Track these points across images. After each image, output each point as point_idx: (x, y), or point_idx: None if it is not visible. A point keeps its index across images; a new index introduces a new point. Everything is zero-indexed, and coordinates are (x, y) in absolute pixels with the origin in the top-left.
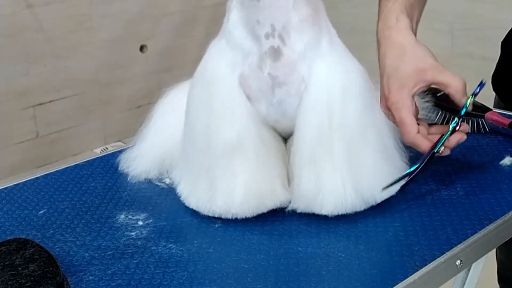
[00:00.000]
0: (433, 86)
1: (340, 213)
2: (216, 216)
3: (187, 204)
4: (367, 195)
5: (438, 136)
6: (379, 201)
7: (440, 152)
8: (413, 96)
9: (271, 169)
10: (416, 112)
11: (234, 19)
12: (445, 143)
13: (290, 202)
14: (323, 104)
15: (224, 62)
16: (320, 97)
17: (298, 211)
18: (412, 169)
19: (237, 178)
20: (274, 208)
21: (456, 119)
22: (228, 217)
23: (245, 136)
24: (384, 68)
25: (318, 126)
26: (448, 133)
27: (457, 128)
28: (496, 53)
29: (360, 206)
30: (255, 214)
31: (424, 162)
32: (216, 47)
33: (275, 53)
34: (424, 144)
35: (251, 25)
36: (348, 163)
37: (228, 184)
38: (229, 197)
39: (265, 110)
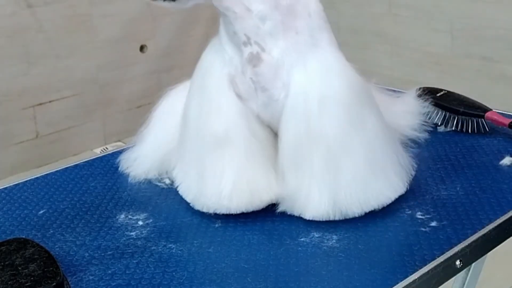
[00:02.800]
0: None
1: (316, 220)
2: (210, 211)
3: (180, 193)
4: (344, 206)
5: None
6: (357, 215)
7: None
8: None
9: (265, 163)
10: None
11: (221, 27)
12: None
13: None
14: (300, 114)
15: (217, 58)
16: (297, 106)
17: (282, 210)
18: None
19: (225, 170)
20: (271, 202)
21: None
22: (222, 212)
23: (233, 130)
24: None
25: (295, 134)
26: None
27: None
28: (496, 53)
29: (337, 216)
30: (251, 209)
31: None
32: (213, 43)
33: (255, 59)
34: None
35: (230, 36)
36: (326, 173)
37: (217, 175)
38: (218, 189)
39: (255, 109)
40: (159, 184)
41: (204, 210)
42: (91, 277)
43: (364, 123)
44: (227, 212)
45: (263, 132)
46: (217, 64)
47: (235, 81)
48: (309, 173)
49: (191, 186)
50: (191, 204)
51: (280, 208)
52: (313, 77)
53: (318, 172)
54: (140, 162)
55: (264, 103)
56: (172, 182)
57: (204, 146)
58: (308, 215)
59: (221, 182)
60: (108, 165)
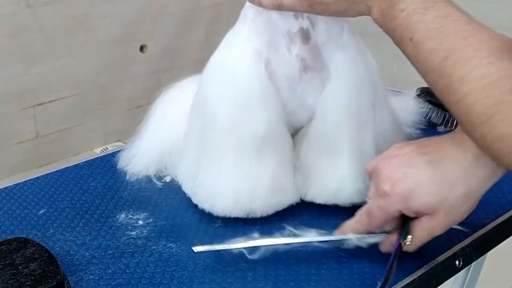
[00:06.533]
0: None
1: (358, 202)
2: (240, 216)
3: (205, 205)
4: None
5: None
6: None
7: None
8: None
9: (289, 163)
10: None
11: (251, 10)
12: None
13: (303, 196)
14: (345, 93)
15: (249, 50)
16: (343, 86)
17: (318, 202)
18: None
19: (264, 173)
20: (286, 206)
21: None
22: (254, 216)
23: (275, 127)
24: None
25: (340, 114)
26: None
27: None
28: None
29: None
30: (270, 213)
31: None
32: (236, 37)
33: (305, 35)
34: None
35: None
36: (358, 155)
37: (254, 180)
38: (252, 194)
39: (285, 101)
40: (159, 183)
41: (234, 215)
42: (91, 276)
43: (376, 110)
44: (255, 216)
45: (286, 130)
46: (249, 57)
47: (272, 69)
48: (343, 155)
49: (223, 198)
50: (224, 213)
51: (310, 199)
52: (353, 61)
53: (350, 154)
54: (139, 159)
55: (303, 88)
56: (173, 181)
57: (242, 151)
58: (342, 201)
59: (258, 187)
60: (108, 165)
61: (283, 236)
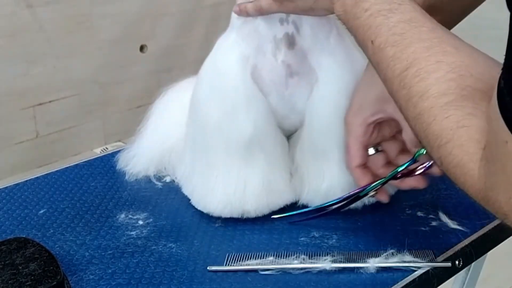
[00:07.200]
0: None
1: (355, 207)
2: (234, 216)
3: (199, 206)
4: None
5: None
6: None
7: (370, 195)
8: (369, 125)
9: (283, 165)
10: (376, 142)
11: (237, 19)
12: (398, 184)
13: (297, 198)
14: (332, 97)
15: (236, 55)
16: (330, 90)
17: (313, 206)
18: (324, 205)
19: (254, 173)
20: (282, 206)
21: (404, 164)
22: (246, 217)
23: (262, 129)
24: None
25: (328, 119)
26: (383, 180)
27: (399, 175)
28: (496, 53)
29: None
30: (265, 213)
31: (341, 203)
32: (225, 42)
33: (290, 40)
34: (361, 180)
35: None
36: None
37: (244, 180)
38: (244, 195)
39: (274, 105)
40: (159, 183)
41: (227, 215)
42: (91, 276)
43: None
44: (248, 217)
45: (279, 132)
46: (236, 61)
47: (260, 74)
48: (333, 159)
49: (216, 199)
50: (218, 214)
51: (304, 202)
52: (342, 64)
53: (340, 158)
54: (138, 159)
55: (291, 92)
56: (173, 181)
57: (230, 152)
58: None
59: (248, 189)
60: (108, 165)
61: (297, 260)
